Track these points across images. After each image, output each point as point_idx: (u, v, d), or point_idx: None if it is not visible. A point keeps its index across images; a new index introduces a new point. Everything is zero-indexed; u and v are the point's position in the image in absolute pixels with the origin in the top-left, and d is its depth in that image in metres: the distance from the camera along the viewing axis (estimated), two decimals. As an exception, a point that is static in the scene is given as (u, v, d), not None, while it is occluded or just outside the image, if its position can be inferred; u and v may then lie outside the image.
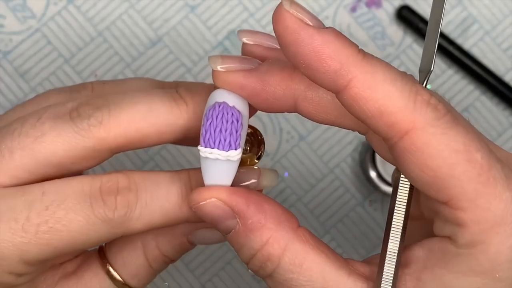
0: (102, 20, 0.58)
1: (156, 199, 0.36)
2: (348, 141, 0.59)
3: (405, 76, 0.32)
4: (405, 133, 0.31)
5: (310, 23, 0.31)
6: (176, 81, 0.45)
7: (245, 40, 0.36)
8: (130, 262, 0.39)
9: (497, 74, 0.59)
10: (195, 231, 0.40)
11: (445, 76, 0.60)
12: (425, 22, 0.59)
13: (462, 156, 0.31)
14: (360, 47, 0.32)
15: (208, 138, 0.33)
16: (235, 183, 0.35)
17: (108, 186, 0.35)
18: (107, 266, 0.39)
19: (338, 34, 0.31)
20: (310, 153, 0.59)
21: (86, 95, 0.40)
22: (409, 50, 0.60)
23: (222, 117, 0.33)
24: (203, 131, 0.33)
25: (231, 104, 0.33)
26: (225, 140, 0.33)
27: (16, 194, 0.35)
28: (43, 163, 0.35)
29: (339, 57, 0.31)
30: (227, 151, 0.33)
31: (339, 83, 0.31)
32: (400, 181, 0.34)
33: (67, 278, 0.39)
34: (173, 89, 0.38)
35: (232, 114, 0.33)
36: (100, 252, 0.41)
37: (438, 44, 0.59)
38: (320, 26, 0.31)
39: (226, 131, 0.33)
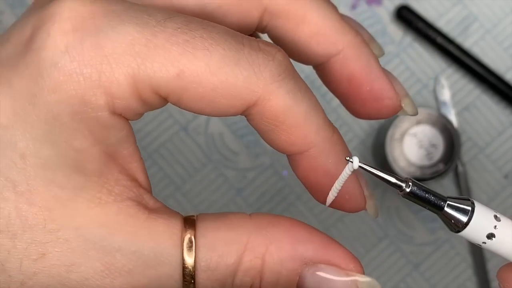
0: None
1: None
2: (348, 139, 0.59)
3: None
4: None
5: None
6: None
7: None
8: (219, 250, 0.28)
9: (497, 73, 0.59)
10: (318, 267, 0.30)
11: (445, 74, 0.60)
12: (424, 21, 0.59)
13: None
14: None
15: None
16: None
17: None
18: (189, 235, 0.28)
19: None
20: (309, 152, 0.59)
21: None
22: (409, 49, 0.60)
23: None
24: None
25: None
26: None
27: None
28: None
29: None
30: None
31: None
32: None
33: (144, 208, 0.29)
34: None
35: None
36: (187, 219, 0.29)
37: (439, 43, 0.59)
38: None
39: None
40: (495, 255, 0.58)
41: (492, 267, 0.59)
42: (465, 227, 0.29)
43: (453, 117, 0.59)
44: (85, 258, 0.28)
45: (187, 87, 0.28)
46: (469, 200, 0.30)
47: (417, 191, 0.29)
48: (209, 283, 0.29)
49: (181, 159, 0.58)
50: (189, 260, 0.28)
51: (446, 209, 0.29)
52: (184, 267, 0.28)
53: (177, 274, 0.28)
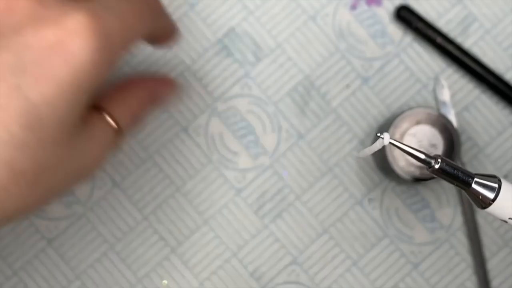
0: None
1: None
2: (347, 139, 0.59)
3: None
4: None
5: None
6: None
7: None
8: (124, 109, 0.49)
9: (497, 73, 0.59)
10: None
11: (445, 74, 0.60)
12: (423, 21, 0.59)
13: None
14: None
15: None
16: None
17: None
18: (106, 116, 0.48)
19: None
20: (309, 152, 0.59)
21: None
22: (409, 49, 0.60)
23: None
24: None
25: None
26: None
27: None
28: None
29: None
30: None
31: None
32: None
33: (85, 121, 0.45)
34: None
35: None
36: (96, 107, 0.48)
37: (438, 43, 0.59)
38: None
39: None
40: (495, 255, 0.58)
41: (492, 267, 0.59)
42: (491, 204, 0.30)
43: (453, 117, 0.59)
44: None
45: None
46: (496, 177, 0.31)
47: (446, 168, 0.30)
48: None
49: (181, 159, 0.58)
50: (114, 124, 0.48)
51: (473, 185, 0.30)
52: (114, 128, 0.48)
53: (114, 131, 0.48)
